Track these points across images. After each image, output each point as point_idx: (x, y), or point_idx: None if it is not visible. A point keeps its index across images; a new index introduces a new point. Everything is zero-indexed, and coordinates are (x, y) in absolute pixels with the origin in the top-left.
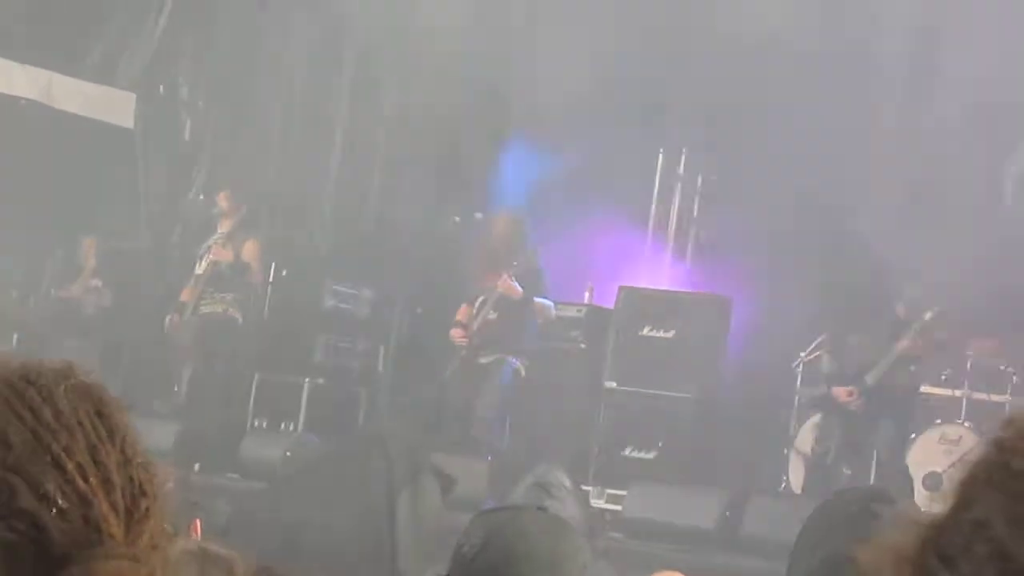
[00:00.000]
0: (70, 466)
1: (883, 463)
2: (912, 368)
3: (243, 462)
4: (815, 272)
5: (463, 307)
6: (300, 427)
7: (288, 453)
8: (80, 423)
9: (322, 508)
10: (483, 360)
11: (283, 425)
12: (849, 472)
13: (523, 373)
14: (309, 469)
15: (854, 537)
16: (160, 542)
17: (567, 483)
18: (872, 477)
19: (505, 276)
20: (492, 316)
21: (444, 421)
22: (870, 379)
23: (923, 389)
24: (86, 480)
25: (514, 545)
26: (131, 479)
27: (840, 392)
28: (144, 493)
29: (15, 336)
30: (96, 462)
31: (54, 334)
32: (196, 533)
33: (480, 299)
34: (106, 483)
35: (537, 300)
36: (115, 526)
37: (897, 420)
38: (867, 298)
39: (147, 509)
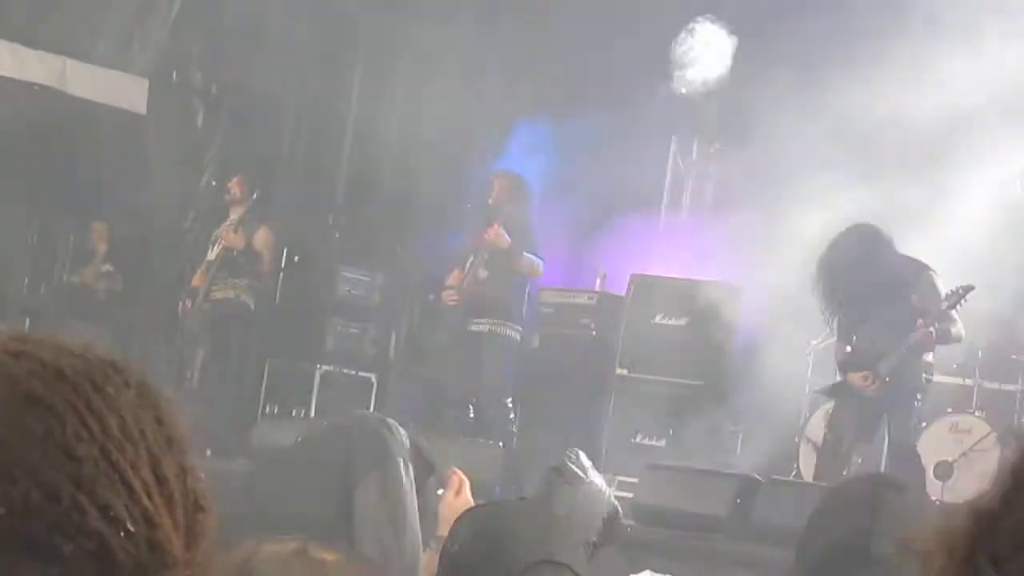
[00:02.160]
0: (137, 484)
1: (894, 452)
2: (926, 357)
3: (254, 448)
4: (827, 259)
5: (455, 272)
6: (312, 413)
7: (299, 439)
8: (143, 432)
9: (289, 497)
10: (475, 328)
11: (294, 411)
12: (860, 460)
13: (518, 340)
14: (283, 454)
15: (861, 525)
16: (211, 558)
17: (585, 465)
18: (883, 466)
19: (495, 226)
20: (483, 274)
21: (450, 405)
22: (883, 368)
23: (934, 378)
24: (151, 498)
25: (499, 537)
26: (190, 493)
27: (855, 378)
28: (202, 508)
29: (27, 321)
30: (159, 478)
31: (65, 319)
32: None
33: (470, 259)
34: (169, 501)
35: (526, 255)
36: (178, 548)
37: (909, 409)
38: (881, 286)
39: (205, 525)
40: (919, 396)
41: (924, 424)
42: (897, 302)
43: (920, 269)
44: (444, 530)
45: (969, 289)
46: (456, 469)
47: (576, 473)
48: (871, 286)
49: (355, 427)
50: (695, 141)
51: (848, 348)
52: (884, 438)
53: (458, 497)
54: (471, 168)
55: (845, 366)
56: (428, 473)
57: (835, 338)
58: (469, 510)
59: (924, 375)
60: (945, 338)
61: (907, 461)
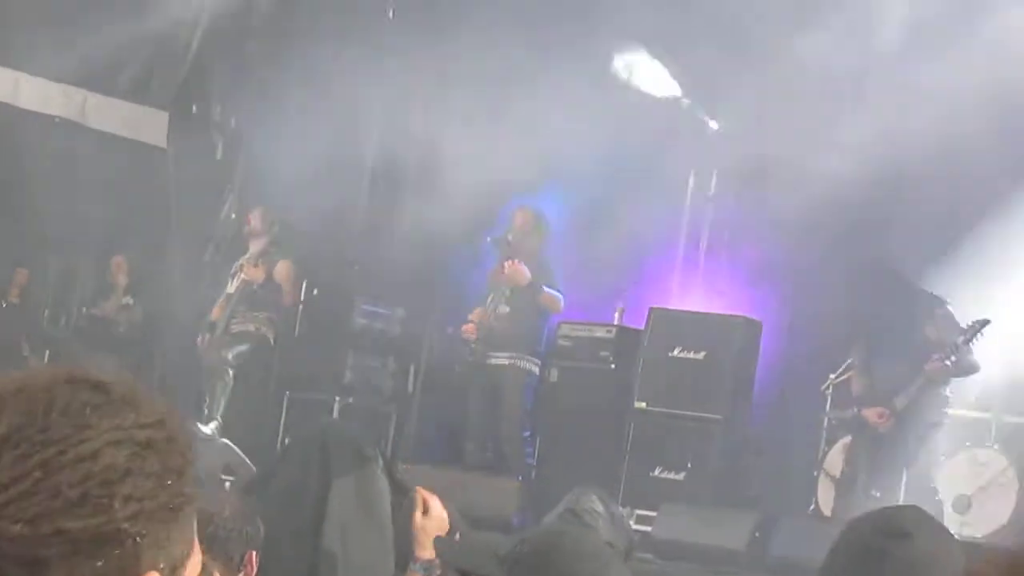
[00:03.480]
0: None
1: (912, 486)
2: (942, 390)
3: None
4: (845, 294)
5: (477, 310)
6: None
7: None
8: (21, 424)
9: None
10: (495, 361)
11: None
12: (878, 495)
13: (537, 373)
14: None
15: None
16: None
17: (599, 508)
18: (901, 499)
19: (514, 261)
20: (504, 310)
21: (469, 438)
22: (899, 402)
23: (952, 411)
24: None
25: (561, 552)
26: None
27: (870, 414)
28: (20, 478)
29: (47, 353)
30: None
31: (86, 352)
32: (252, 566)
33: (491, 296)
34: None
35: (546, 290)
36: None
37: (926, 442)
38: (897, 320)
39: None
40: (936, 429)
41: (942, 457)
42: (913, 336)
43: (935, 303)
44: (421, 550)
45: (986, 323)
46: (420, 488)
47: (589, 520)
48: (887, 319)
49: (331, 432)
50: (714, 174)
51: (865, 383)
52: (902, 471)
53: (427, 516)
54: (491, 202)
55: (861, 401)
56: (403, 495)
57: (852, 373)
58: (535, 529)
59: (941, 408)
60: (962, 371)
61: (924, 495)
